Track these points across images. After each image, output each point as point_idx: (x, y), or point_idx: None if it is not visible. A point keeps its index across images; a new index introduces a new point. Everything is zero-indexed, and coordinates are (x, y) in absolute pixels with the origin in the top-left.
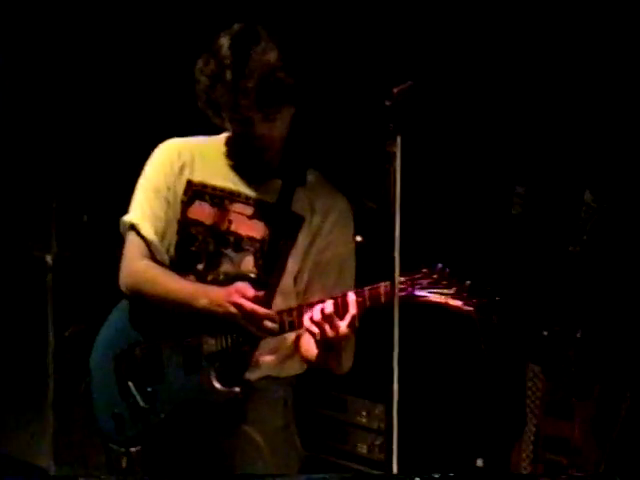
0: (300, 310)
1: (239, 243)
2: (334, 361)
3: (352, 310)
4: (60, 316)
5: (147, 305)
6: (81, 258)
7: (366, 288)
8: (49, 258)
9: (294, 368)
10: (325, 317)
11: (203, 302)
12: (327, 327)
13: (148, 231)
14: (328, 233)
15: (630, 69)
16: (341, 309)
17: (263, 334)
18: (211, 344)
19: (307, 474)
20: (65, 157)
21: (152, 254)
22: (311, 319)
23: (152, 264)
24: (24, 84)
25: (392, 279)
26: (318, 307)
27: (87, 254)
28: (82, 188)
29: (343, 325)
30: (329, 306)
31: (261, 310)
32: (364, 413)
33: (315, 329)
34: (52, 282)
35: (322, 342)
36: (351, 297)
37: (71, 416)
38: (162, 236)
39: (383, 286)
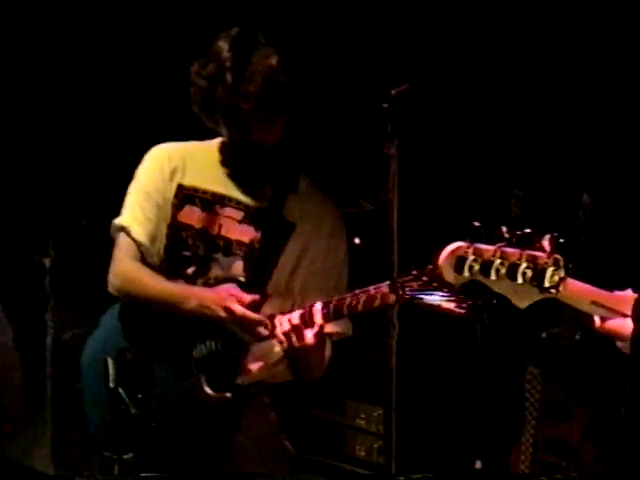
0: (272, 319)
1: (229, 247)
2: (303, 369)
3: (318, 320)
4: (58, 319)
5: (138, 309)
6: (79, 261)
7: (334, 298)
8: (47, 261)
9: (284, 374)
10: (292, 327)
11: (192, 304)
12: (294, 337)
13: (139, 233)
14: (320, 241)
15: (626, 71)
16: (308, 319)
17: (253, 339)
18: (201, 349)
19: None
20: (63, 161)
21: (142, 257)
22: (281, 329)
23: (141, 266)
24: (23, 89)
25: (391, 280)
26: (286, 317)
27: (85, 257)
28: (80, 192)
29: (310, 335)
30: (295, 317)
31: (254, 316)
32: (363, 416)
33: (283, 339)
34: (50, 285)
35: (289, 351)
36: (317, 307)
37: (69, 420)
38: (152, 239)
39: (350, 295)
